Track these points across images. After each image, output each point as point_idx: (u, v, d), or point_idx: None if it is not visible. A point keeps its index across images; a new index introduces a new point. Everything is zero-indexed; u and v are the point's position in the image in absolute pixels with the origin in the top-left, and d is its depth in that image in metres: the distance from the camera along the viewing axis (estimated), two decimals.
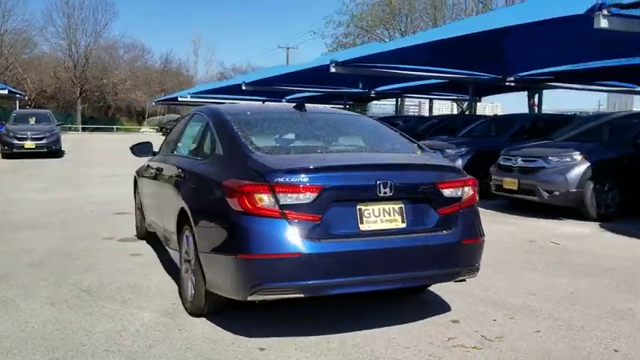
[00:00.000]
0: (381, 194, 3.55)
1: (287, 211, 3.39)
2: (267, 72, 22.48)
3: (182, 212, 4.25)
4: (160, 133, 46.72)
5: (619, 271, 5.57)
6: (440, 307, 4.34)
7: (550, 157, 9.06)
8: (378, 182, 3.54)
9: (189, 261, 4.23)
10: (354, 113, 6.51)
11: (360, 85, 22.96)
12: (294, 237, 3.37)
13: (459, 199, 3.82)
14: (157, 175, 5.36)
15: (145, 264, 5.63)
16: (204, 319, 4.03)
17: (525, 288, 4.90)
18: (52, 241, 6.57)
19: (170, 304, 4.37)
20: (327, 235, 3.44)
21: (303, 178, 3.44)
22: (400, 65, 15.89)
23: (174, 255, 4.75)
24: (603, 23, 7.88)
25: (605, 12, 7.83)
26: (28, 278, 5.06)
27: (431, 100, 29.89)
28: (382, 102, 46.16)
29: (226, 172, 3.70)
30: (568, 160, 8.95)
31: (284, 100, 35.67)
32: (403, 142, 4.41)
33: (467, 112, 24.71)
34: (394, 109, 54.03)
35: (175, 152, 5.27)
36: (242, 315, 4.04)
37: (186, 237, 4.21)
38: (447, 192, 3.78)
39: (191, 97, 34.95)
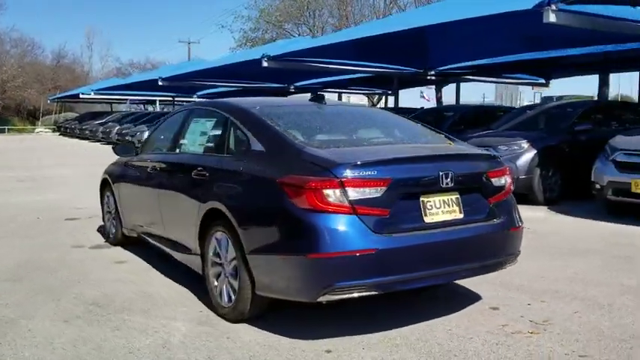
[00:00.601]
0: (444, 185, 3.54)
1: (357, 206, 3.28)
2: (187, 66, 21.73)
3: (210, 213, 4.00)
4: (58, 133, 43.92)
5: (599, 251, 5.94)
6: (471, 295, 4.40)
7: (499, 146, 9.46)
8: (441, 173, 3.53)
9: (219, 264, 4.00)
10: (366, 106, 6.42)
11: (283, 80, 22.83)
12: (366, 233, 3.27)
13: (503, 187, 3.89)
14: (154, 176, 5.01)
15: (137, 271, 5.25)
16: (246, 324, 3.81)
17: (532, 272, 5.08)
18: (16, 252, 5.95)
19: (197, 312, 4.11)
20: (396, 229, 3.37)
21: (373, 171, 3.34)
22: (330, 60, 15.99)
23: (166, 259, 4.48)
24: (552, 18, 8.35)
25: (553, 7, 8.29)
26: (16, 295, 4.55)
27: (340, 95, 30.30)
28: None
29: (278, 169, 3.51)
30: (516, 148, 9.40)
31: (195, 96, 34.79)
32: (432, 133, 4.42)
33: (378, 106, 25.29)
34: None
35: (178, 150, 4.92)
36: (277, 317, 3.87)
37: (218, 239, 3.97)
38: (495, 181, 3.84)
39: (95, 93, 33.15)
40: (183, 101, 43.98)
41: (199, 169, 4.25)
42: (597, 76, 22.50)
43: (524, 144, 9.34)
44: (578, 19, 8.76)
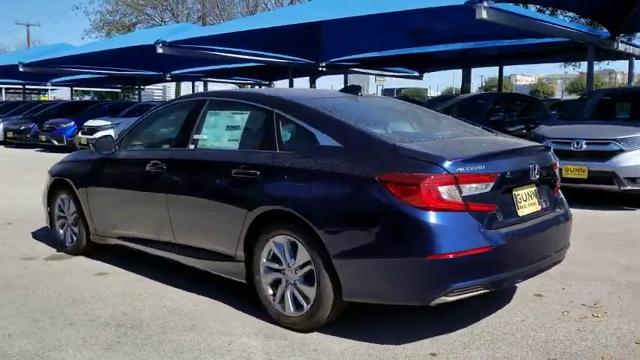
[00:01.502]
0: (532, 178, 3.55)
1: (469, 203, 3.16)
2: (55, 51, 19.60)
3: (264, 216, 3.64)
4: None
5: None
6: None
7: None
8: (531, 166, 3.53)
9: (278, 270, 3.66)
10: (389, 98, 6.17)
11: (159, 67, 21.64)
12: (480, 230, 3.17)
13: (557, 179, 4.00)
14: (156, 175, 4.43)
15: (133, 284, 4.62)
16: (322, 333, 3.52)
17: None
18: None
19: (253, 325, 3.71)
20: (501, 224, 3.30)
21: (481, 166, 3.24)
22: (228, 48, 15.52)
23: (153, 267, 4.03)
24: (484, 14, 8.82)
25: (485, 4, 8.76)
26: (11, 323, 3.79)
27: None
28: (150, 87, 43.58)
29: (372, 166, 3.25)
30: None
31: (49, 83, 31.70)
32: (474, 126, 4.39)
33: None
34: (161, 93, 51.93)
35: (193, 147, 4.36)
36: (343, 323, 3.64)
37: (278, 244, 3.62)
38: (556, 173, 3.95)
39: None
40: (34, 89, 39.96)
41: (243, 167, 3.84)
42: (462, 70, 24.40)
43: None
44: (504, 17, 9.36)
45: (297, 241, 3.53)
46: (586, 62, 13.05)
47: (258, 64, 18.74)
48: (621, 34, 13.08)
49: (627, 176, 7.57)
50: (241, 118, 4.17)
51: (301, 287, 3.56)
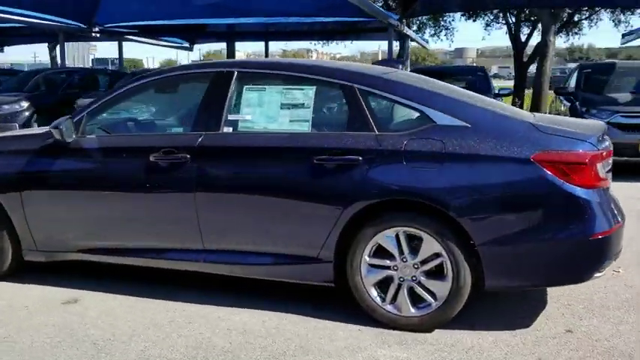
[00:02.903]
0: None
1: (605, 179, 3.22)
2: None
3: (369, 209, 3.19)
4: None
5: None
6: None
7: None
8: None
9: (387, 267, 3.25)
10: None
11: None
12: (613, 205, 3.26)
13: None
14: (174, 168, 3.47)
15: (135, 308, 3.58)
16: (447, 329, 3.26)
17: None
18: None
19: (370, 332, 3.22)
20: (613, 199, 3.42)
21: (605, 143, 3.30)
22: None
23: (129, 282, 3.35)
24: None
25: None
26: None
27: None
28: None
29: (520, 145, 3.05)
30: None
31: None
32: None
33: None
34: None
35: (233, 129, 3.48)
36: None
37: (390, 239, 3.20)
38: None
39: None
40: None
41: (332, 152, 3.24)
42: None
43: None
44: None
45: (420, 233, 3.16)
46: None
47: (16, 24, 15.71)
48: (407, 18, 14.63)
49: None
50: (303, 95, 3.47)
51: (426, 283, 3.21)
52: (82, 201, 3.74)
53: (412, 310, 3.23)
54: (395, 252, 3.22)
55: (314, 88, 3.48)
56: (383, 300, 3.28)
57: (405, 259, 3.22)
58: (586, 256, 3.11)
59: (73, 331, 3.25)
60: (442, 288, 3.18)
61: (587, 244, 3.06)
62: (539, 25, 24.70)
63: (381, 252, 3.26)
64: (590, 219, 3.04)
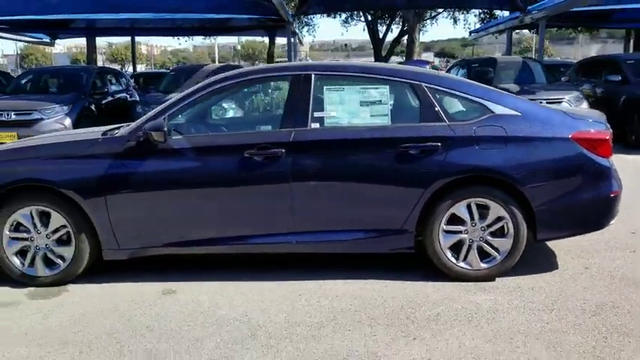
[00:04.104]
0: None
1: None
2: None
3: (445, 186, 3.93)
4: None
5: None
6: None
7: None
8: None
9: (458, 232, 4.01)
10: None
11: None
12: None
13: None
14: (281, 162, 3.91)
15: (239, 287, 3.95)
16: (508, 278, 4.09)
17: None
18: None
19: (455, 286, 3.96)
20: None
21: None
22: None
23: (220, 269, 3.93)
24: None
25: None
26: None
27: None
28: None
29: (560, 127, 3.97)
30: None
31: None
32: None
33: None
34: None
35: (321, 124, 3.94)
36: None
37: (463, 209, 3.95)
38: None
39: None
40: None
41: (415, 140, 3.89)
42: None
43: None
44: None
45: (487, 202, 3.96)
46: None
47: None
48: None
49: None
50: (379, 93, 4.05)
51: (492, 242, 4.02)
52: (175, 198, 3.98)
53: (481, 264, 4.03)
54: (467, 219, 3.99)
55: (387, 87, 4.10)
56: (457, 259, 4.03)
57: (474, 224, 4.00)
58: (608, 209, 4.14)
59: (203, 313, 3.56)
60: (505, 244, 4.01)
61: (609, 199, 4.09)
62: (395, 21, 26.93)
63: (454, 220, 4.00)
64: (611, 181, 4.07)
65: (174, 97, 4.19)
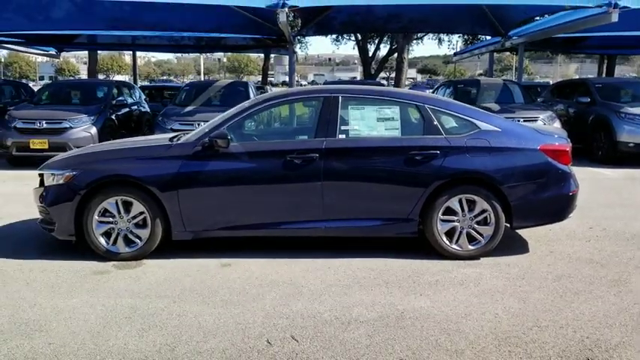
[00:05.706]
0: None
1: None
2: None
3: (443, 184, 5.04)
4: None
5: None
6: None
7: None
8: None
9: (453, 221, 5.13)
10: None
11: None
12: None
13: None
14: (316, 165, 5.00)
15: (277, 262, 5.04)
16: (489, 258, 5.23)
17: None
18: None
19: (448, 263, 5.08)
20: None
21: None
22: None
23: (276, 247, 5.05)
24: (283, 18, 10.60)
25: (287, 10, 10.55)
26: None
27: None
28: None
29: (532, 141, 5.12)
30: None
31: None
32: None
33: None
34: None
35: (346, 136, 5.09)
36: None
37: (455, 202, 5.08)
38: None
39: None
40: None
41: (420, 148, 5.03)
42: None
43: None
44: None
45: (474, 197, 5.11)
46: None
47: None
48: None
49: None
50: (392, 112, 5.20)
51: (478, 228, 5.15)
52: (230, 191, 5.08)
53: (469, 246, 5.18)
54: (459, 211, 5.13)
55: (398, 107, 5.26)
56: (450, 242, 5.17)
57: (464, 215, 5.14)
58: (567, 204, 5.32)
59: (257, 278, 4.65)
60: (488, 230, 5.16)
61: (569, 197, 5.28)
62: (383, 40, 28.31)
63: (449, 211, 5.14)
64: (570, 183, 5.26)
65: (231, 111, 5.31)
